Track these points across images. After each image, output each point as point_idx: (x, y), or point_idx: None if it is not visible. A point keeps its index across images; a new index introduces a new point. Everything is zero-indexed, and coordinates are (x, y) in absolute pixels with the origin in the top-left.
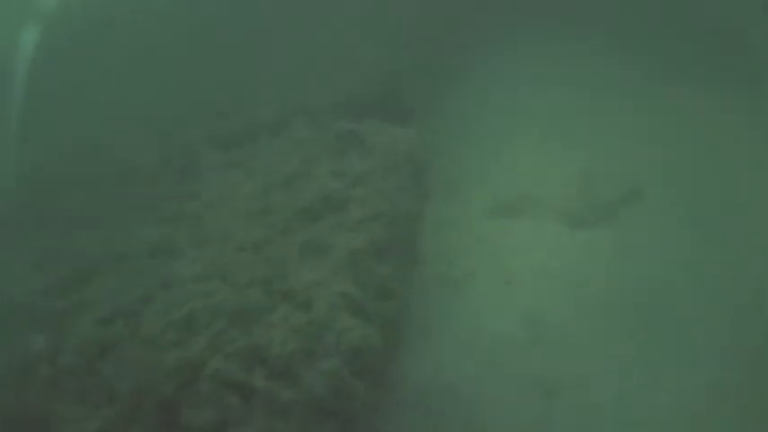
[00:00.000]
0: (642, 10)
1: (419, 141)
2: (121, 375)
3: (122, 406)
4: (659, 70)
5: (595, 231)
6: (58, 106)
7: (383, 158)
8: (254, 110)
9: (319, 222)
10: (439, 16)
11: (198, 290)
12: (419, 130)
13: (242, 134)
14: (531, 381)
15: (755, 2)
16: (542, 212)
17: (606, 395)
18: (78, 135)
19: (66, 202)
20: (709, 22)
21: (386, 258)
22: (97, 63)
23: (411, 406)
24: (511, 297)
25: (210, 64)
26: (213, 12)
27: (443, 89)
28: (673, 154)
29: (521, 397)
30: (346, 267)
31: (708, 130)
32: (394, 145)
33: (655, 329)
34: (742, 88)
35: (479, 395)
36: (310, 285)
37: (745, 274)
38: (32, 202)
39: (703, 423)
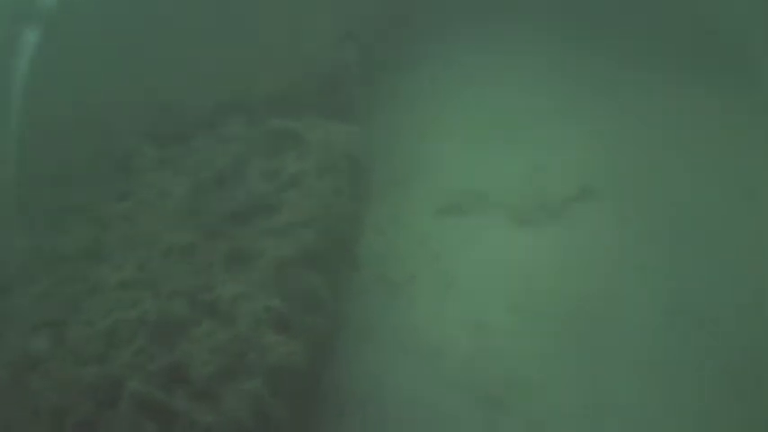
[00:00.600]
0: None
1: (360, 138)
2: (45, 391)
3: (43, 426)
4: (627, 57)
5: (545, 231)
6: None
7: (319, 157)
8: (190, 104)
9: (248, 227)
10: (388, 1)
11: (123, 299)
12: (362, 126)
13: (177, 130)
14: (475, 392)
15: None
16: (490, 210)
17: (554, 408)
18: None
19: None
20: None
21: (318, 266)
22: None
23: (348, 417)
24: (453, 301)
25: (146, 57)
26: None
27: (390, 81)
28: (634, 149)
29: (464, 409)
30: (273, 278)
31: (676, 124)
32: (332, 142)
33: (606, 337)
34: (715, 78)
35: (421, 407)
36: (235, 297)
37: (701, 280)
38: None
39: None
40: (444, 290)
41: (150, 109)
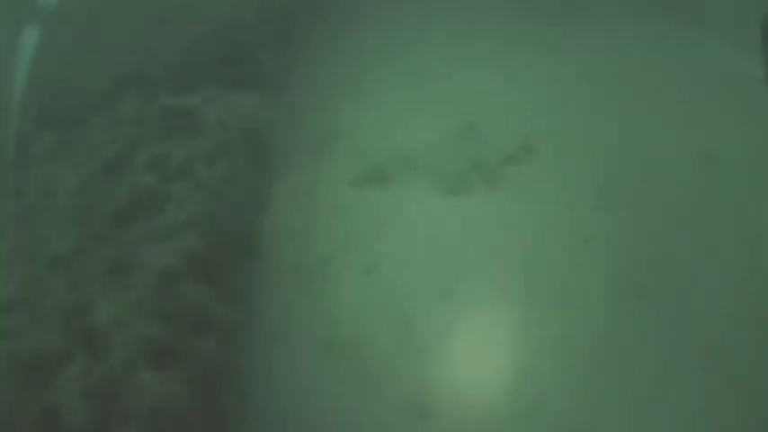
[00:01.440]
0: None
1: (262, 110)
2: None
3: None
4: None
5: (478, 199)
6: None
7: (213, 139)
8: (89, 81)
9: (131, 230)
10: None
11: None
12: (268, 92)
13: (75, 111)
14: (400, 399)
15: None
16: (417, 177)
17: (487, 417)
18: None
19: None
20: None
21: (208, 275)
22: None
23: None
24: (374, 290)
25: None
26: None
27: (305, 37)
28: (575, 102)
29: (388, 419)
30: (154, 294)
31: (625, 70)
32: (228, 119)
33: (550, 330)
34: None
35: (342, 418)
36: (110, 323)
37: (652, 247)
38: None
39: None
40: (364, 276)
41: (48, 89)
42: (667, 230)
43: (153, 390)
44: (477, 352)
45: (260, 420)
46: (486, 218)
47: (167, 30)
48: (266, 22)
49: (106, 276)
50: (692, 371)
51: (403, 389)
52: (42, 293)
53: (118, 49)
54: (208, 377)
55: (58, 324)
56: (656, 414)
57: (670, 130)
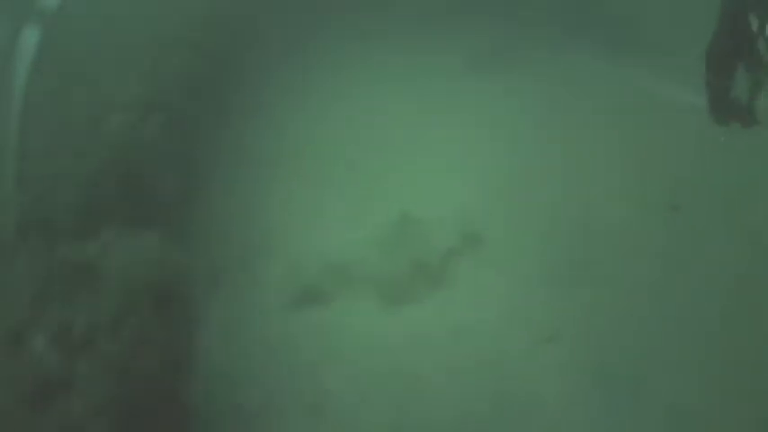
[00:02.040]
0: None
1: (170, 250)
2: None
3: None
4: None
5: (426, 307)
6: None
7: (117, 297)
8: None
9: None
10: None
11: None
12: (178, 225)
13: None
14: None
15: None
16: (357, 289)
17: None
18: None
19: None
20: None
21: None
22: None
23: None
24: None
25: None
26: None
27: (215, 148)
28: (514, 173)
29: None
30: None
31: (565, 127)
32: (133, 272)
33: None
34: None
35: None
36: None
37: (625, 332)
38: None
39: None
40: (309, 417)
41: None
42: (641, 306)
43: None
44: None
45: None
46: (436, 328)
47: (66, 156)
48: (169, 138)
49: None
50: None
51: None
52: None
53: (18, 181)
54: None
55: None
56: None
57: (625, 184)
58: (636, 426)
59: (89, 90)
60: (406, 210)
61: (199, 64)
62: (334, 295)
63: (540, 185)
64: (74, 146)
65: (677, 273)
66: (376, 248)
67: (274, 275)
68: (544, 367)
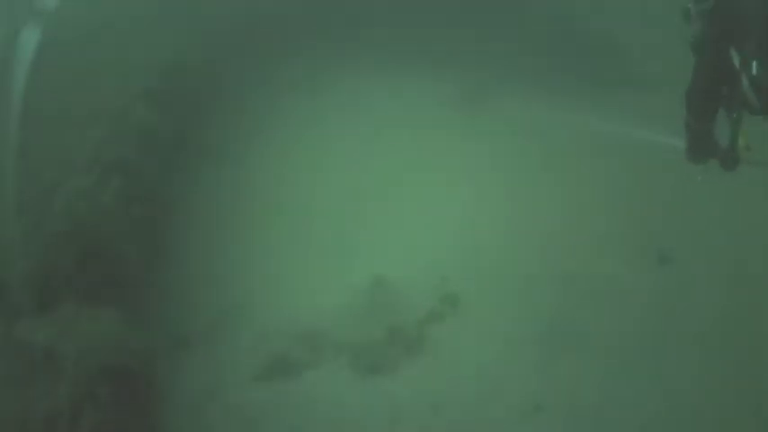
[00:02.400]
0: None
1: (129, 328)
2: None
3: None
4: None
5: (404, 376)
6: None
7: (75, 384)
8: None
9: None
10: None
11: None
12: (139, 298)
13: None
14: None
15: None
16: (330, 357)
17: None
18: None
19: None
20: None
21: None
22: None
23: None
24: None
25: None
26: None
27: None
28: (499, 230)
29: None
30: None
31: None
32: (88, 355)
33: None
34: None
35: None
36: None
37: (614, 404)
38: None
39: None
40: None
41: None
42: (631, 371)
43: None
44: None
45: None
46: (413, 400)
47: (23, 227)
48: (127, 204)
49: None
50: None
51: None
52: None
53: None
54: None
55: None
56: None
57: (609, 234)
58: None
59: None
60: (380, 271)
61: (156, 120)
62: (305, 365)
63: (520, 238)
64: (31, 216)
65: (668, 331)
66: (349, 314)
67: (243, 345)
68: None
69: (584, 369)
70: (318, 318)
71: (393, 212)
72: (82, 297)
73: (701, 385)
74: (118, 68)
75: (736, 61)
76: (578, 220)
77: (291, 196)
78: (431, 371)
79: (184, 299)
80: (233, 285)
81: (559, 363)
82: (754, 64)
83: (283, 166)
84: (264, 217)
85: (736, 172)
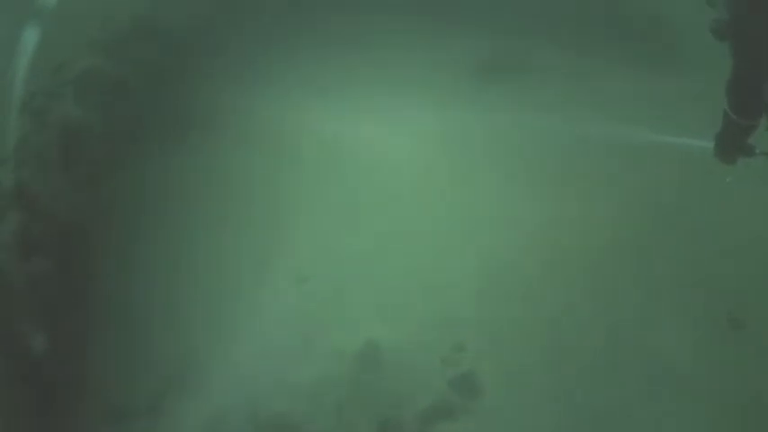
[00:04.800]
0: None
1: None
2: None
3: None
4: None
5: None
6: None
7: None
8: None
9: None
10: None
11: None
12: None
13: None
14: None
15: None
16: None
17: None
18: None
19: None
20: None
21: None
22: None
23: None
24: None
25: None
26: None
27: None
28: (509, 275)
29: None
30: None
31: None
32: None
33: None
34: None
35: None
36: None
37: None
38: None
39: None
40: None
41: None
42: None
43: None
44: None
45: None
46: None
47: None
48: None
49: None
50: None
51: None
52: None
53: None
54: None
55: None
56: None
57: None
58: None
59: None
60: (373, 335)
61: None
62: None
63: (541, 290)
64: None
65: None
66: (329, 397)
67: (189, 425)
68: None
69: None
70: (287, 399)
71: (384, 266)
72: None
73: None
74: None
75: None
76: (612, 261)
77: (266, 247)
78: None
79: (123, 367)
80: (185, 351)
81: None
82: None
83: (254, 214)
84: (230, 271)
85: None
